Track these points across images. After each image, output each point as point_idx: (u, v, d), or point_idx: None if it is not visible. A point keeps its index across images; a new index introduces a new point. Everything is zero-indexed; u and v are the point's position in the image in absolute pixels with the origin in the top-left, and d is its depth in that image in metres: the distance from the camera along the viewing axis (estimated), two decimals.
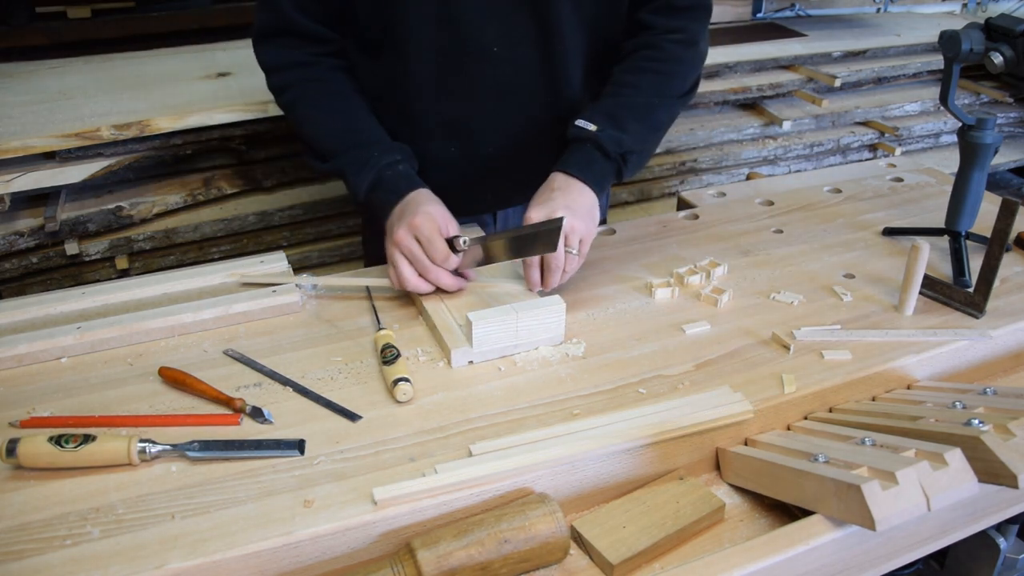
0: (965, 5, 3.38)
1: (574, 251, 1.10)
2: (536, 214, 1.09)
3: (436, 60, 1.21)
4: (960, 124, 1.25)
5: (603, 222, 1.45)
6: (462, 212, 1.18)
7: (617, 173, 1.19)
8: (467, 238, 1.08)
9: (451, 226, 1.10)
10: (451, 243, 1.08)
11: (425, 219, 1.07)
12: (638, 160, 1.21)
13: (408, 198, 1.12)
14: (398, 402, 0.95)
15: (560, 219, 1.06)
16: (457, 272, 1.12)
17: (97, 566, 0.73)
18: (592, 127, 1.16)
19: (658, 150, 2.37)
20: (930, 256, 1.13)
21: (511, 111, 1.27)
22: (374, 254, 1.44)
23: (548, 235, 1.06)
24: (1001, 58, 1.23)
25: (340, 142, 1.19)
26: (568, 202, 1.10)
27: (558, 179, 1.15)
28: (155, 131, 1.74)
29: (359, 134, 1.19)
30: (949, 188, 1.31)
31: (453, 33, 1.19)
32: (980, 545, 1.12)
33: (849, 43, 2.66)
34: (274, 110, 1.82)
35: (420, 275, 1.10)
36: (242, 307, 1.11)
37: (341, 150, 1.18)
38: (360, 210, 1.53)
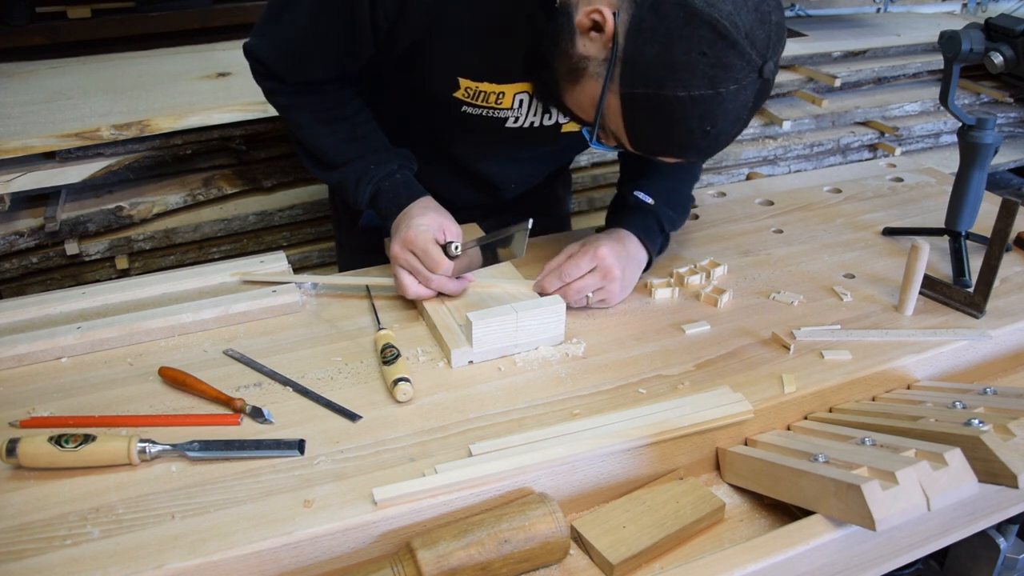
0: (965, 5, 3.38)
1: (590, 295, 1.13)
2: (609, 260, 1.12)
3: (448, 169, 1.30)
4: (960, 124, 1.25)
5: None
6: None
7: (660, 249, 1.23)
8: (458, 244, 1.09)
9: (448, 231, 1.10)
10: (445, 249, 1.09)
11: (418, 232, 1.08)
12: (666, 245, 1.26)
13: (405, 210, 1.13)
14: (398, 402, 0.95)
15: (527, 220, 1.08)
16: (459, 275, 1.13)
17: (97, 566, 0.73)
18: (650, 201, 1.21)
19: None
20: (930, 256, 1.13)
21: (521, 192, 1.38)
22: (347, 262, 1.46)
23: (518, 238, 1.09)
24: (1001, 58, 1.23)
25: (338, 155, 1.17)
26: (628, 270, 1.15)
27: (632, 244, 1.18)
28: (155, 131, 1.74)
29: (356, 145, 1.18)
30: (949, 188, 1.31)
31: (471, 170, 1.28)
32: (980, 545, 1.12)
33: (849, 43, 2.66)
34: (274, 110, 1.81)
35: (422, 284, 1.11)
36: (242, 307, 1.11)
37: (340, 163, 1.17)
38: (337, 219, 1.55)
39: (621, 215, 1.22)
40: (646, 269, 1.22)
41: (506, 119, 1.15)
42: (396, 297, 1.17)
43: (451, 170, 1.30)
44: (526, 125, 1.17)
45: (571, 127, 1.19)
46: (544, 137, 1.20)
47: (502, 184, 1.32)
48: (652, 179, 1.25)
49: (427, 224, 1.09)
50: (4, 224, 1.70)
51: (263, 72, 1.17)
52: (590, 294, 1.12)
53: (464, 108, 1.14)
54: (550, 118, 1.16)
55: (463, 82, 1.09)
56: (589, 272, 1.11)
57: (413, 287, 1.11)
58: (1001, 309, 1.15)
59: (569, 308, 1.10)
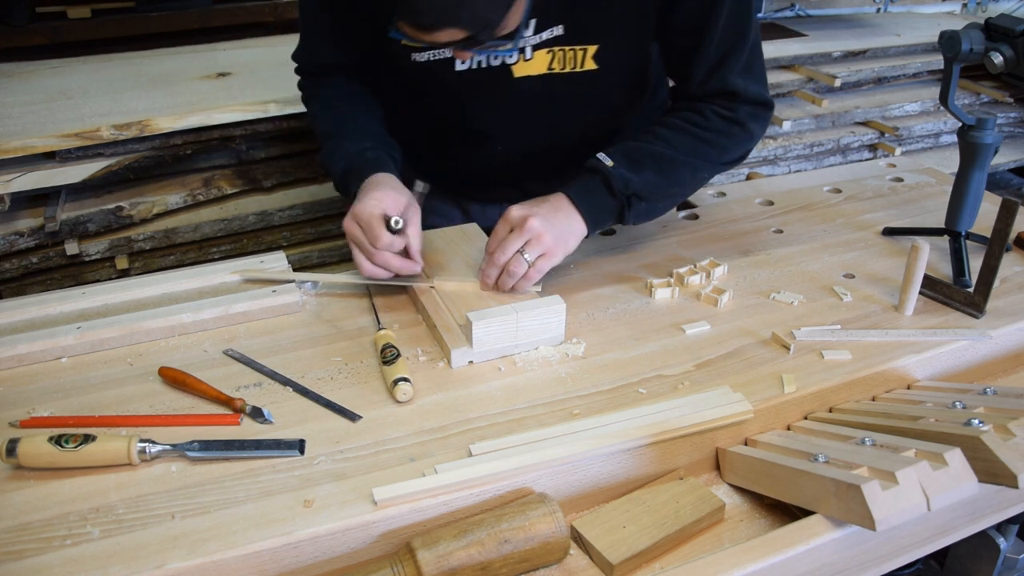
0: (965, 5, 3.38)
1: (527, 256, 1.08)
2: (517, 211, 1.11)
3: (448, 144, 1.37)
4: (960, 124, 1.25)
5: None
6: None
7: (619, 213, 1.18)
8: (399, 218, 1.07)
9: (403, 207, 1.09)
10: (389, 225, 1.07)
11: (366, 204, 1.07)
12: (646, 209, 1.19)
13: (365, 183, 1.14)
14: (398, 402, 0.95)
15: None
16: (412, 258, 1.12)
17: (97, 566, 0.73)
18: (608, 162, 1.16)
19: None
20: (930, 256, 1.13)
21: (525, 167, 1.38)
22: None
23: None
24: (1001, 58, 1.23)
25: (327, 135, 1.25)
26: (550, 215, 1.11)
27: (555, 196, 1.15)
28: (155, 131, 1.74)
29: (342, 126, 1.24)
30: (949, 188, 1.31)
31: (465, 133, 1.32)
32: (980, 545, 1.12)
33: (849, 43, 2.66)
34: (274, 110, 1.82)
35: (371, 262, 1.10)
36: (242, 307, 1.11)
37: (325, 141, 1.24)
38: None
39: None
40: (600, 232, 1.24)
41: (454, 59, 1.17)
42: (396, 297, 1.17)
43: (458, 151, 1.35)
44: (475, 66, 1.19)
45: (523, 71, 1.20)
46: (499, 84, 1.21)
47: (502, 143, 1.32)
48: (629, 143, 1.21)
49: (378, 197, 1.08)
50: (4, 224, 1.70)
51: (300, 79, 1.34)
52: (526, 256, 1.08)
53: (413, 56, 1.18)
54: (496, 57, 1.18)
55: (401, 25, 1.11)
56: (513, 234, 1.09)
57: (365, 264, 1.10)
58: (1001, 309, 1.15)
59: (516, 287, 1.10)
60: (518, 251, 1.09)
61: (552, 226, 1.10)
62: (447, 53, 1.17)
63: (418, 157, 1.42)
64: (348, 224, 1.09)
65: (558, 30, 1.17)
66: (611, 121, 1.36)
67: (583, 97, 1.26)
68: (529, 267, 1.09)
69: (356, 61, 1.28)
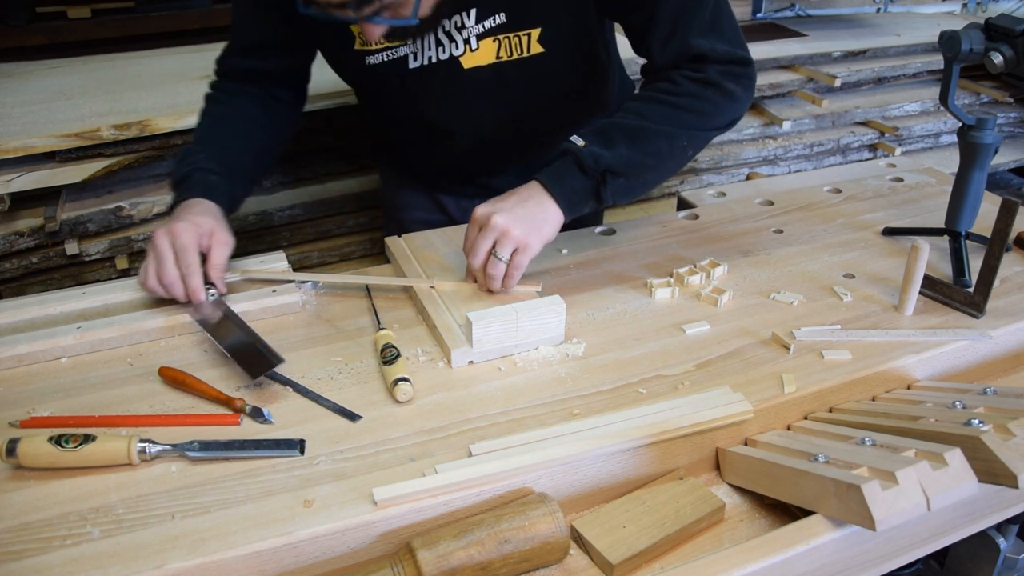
0: (965, 5, 3.38)
1: (501, 256, 1.07)
2: (481, 210, 1.10)
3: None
4: (960, 124, 1.25)
5: (600, 222, 1.47)
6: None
7: (595, 193, 1.12)
8: (216, 292, 1.07)
9: (216, 247, 1.08)
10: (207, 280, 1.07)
11: (188, 227, 1.06)
12: (625, 185, 1.13)
13: (193, 202, 1.12)
14: (398, 402, 0.95)
15: (272, 363, 0.99)
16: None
17: (97, 566, 0.73)
18: (580, 143, 1.12)
19: None
20: (930, 256, 1.13)
21: (492, 167, 1.42)
22: None
23: (254, 360, 0.99)
24: (1001, 58, 1.23)
25: (195, 139, 1.25)
26: (517, 208, 1.08)
27: (525, 185, 1.13)
28: (155, 131, 1.74)
29: (211, 139, 1.25)
30: (949, 188, 1.31)
31: (426, 130, 1.36)
32: (980, 545, 1.12)
33: (849, 43, 2.66)
34: None
35: (159, 280, 1.06)
36: (242, 307, 1.11)
37: (191, 143, 1.25)
38: (386, 216, 1.69)
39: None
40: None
41: (407, 57, 1.20)
42: (396, 297, 1.17)
43: (423, 148, 1.38)
44: (426, 62, 1.22)
45: (472, 61, 1.22)
46: (452, 77, 1.23)
47: (463, 137, 1.34)
48: (601, 121, 1.15)
49: (202, 224, 1.08)
50: (4, 224, 1.70)
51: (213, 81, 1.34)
52: (500, 255, 1.07)
53: (368, 59, 1.20)
54: (444, 51, 1.21)
55: (353, 27, 1.14)
56: (480, 235, 1.08)
57: (151, 280, 1.06)
58: (1001, 309, 1.15)
59: (499, 289, 1.11)
60: (491, 252, 1.07)
61: (517, 219, 1.07)
62: (399, 53, 1.20)
63: (392, 153, 1.43)
64: (160, 238, 1.05)
65: (500, 17, 1.18)
66: (568, 106, 1.35)
67: (534, 82, 1.27)
68: (507, 265, 1.08)
69: (287, 58, 1.32)
